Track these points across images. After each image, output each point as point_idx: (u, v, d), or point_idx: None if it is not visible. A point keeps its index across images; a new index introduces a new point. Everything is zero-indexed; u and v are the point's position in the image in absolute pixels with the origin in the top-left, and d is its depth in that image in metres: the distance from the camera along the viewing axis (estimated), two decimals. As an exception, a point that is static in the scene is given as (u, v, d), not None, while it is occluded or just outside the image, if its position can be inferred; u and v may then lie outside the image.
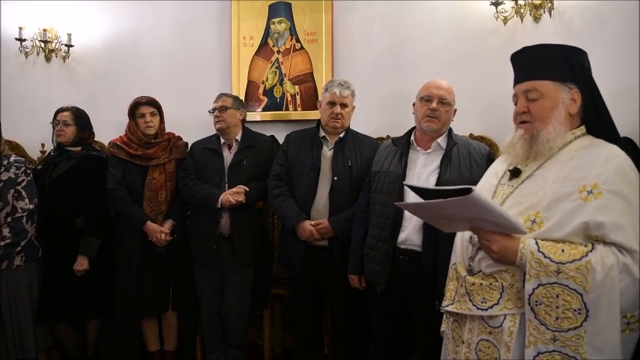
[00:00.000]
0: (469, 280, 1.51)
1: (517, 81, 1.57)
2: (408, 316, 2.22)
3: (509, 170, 1.57)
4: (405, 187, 2.17)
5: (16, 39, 3.56)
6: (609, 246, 1.32)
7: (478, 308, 1.47)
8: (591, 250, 1.31)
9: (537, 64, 1.52)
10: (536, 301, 1.35)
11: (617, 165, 1.39)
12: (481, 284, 1.48)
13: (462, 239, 1.61)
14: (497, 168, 1.67)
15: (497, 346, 1.44)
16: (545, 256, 1.33)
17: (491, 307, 1.44)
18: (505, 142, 1.62)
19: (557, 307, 1.32)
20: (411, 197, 2.17)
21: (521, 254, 1.36)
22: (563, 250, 1.33)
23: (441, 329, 1.80)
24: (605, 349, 1.30)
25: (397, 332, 2.30)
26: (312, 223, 2.50)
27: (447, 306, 1.61)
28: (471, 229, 1.46)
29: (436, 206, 1.37)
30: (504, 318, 1.42)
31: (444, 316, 1.77)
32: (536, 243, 1.36)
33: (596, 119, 1.51)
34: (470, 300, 1.50)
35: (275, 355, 3.20)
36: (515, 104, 1.56)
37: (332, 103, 2.56)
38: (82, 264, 2.74)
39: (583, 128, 1.51)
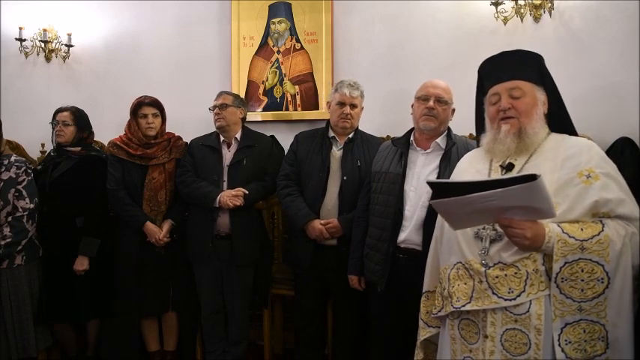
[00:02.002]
0: (491, 274, 1.53)
1: (496, 81, 1.67)
2: (408, 316, 2.22)
3: (500, 166, 1.64)
4: (405, 188, 2.17)
5: (16, 39, 3.56)
6: (615, 219, 1.47)
7: (505, 299, 1.51)
8: (604, 226, 1.45)
9: (517, 66, 1.65)
10: (562, 278, 1.45)
11: (598, 152, 1.57)
12: (505, 275, 1.52)
13: (464, 237, 1.62)
14: (477, 167, 1.72)
15: (525, 332, 1.49)
16: (569, 236, 1.44)
17: (518, 295, 1.50)
18: (486, 139, 1.69)
19: (582, 280, 1.44)
20: (410, 197, 2.17)
21: (548, 238, 1.45)
22: (582, 229, 1.45)
23: (422, 338, 1.83)
24: (622, 309, 1.44)
25: (397, 332, 2.29)
26: (322, 222, 2.52)
27: (465, 305, 1.60)
28: (499, 221, 1.48)
29: (489, 197, 1.37)
30: (530, 303, 1.49)
31: (421, 322, 1.83)
32: (559, 225, 1.46)
33: (558, 120, 1.67)
34: (494, 293, 1.53)
35: (275, 355, 3.20)
36: (494, 103, 1.66)
37: (341, 104, 2.58)
38: (82, 264, 2.74)
39: (547, 127, 1.66)
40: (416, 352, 1.88)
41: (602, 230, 1.44)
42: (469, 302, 1.59)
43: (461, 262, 1.63)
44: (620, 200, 1.47)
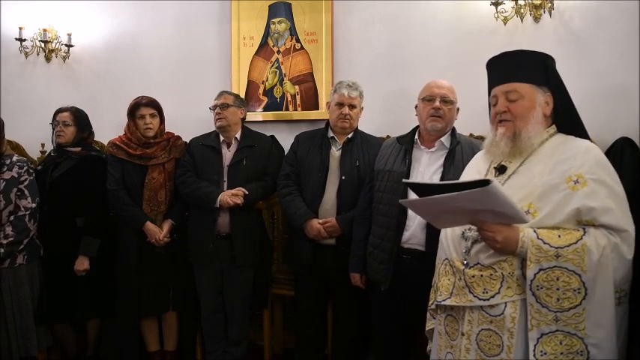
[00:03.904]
0: (469, 273, 1.56)
1: (496, 83, 1.67)
2: (410, 316, 2.22)
3: (494, 167, 1.65)
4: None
5: (16, 39, 3.55)
6: (599, 228, 1.43)
7: (480, 299, 1.53)
8: (585, 234, 1.42)
9: (516, 68, 1.63)
10: (538, 286, 1.43)
11: (595, 156, 1.52)
12: (481, 276, 1.53)
13: (452, 235, 1.66)
14: (479, 167, 1.75)
15: (499, 334, 1.50)
16: (544, 242, 1.42)
17: (492, 296, 1.51)
18: (486, 141, 1.71)
19: (557, 289, 1.41)
20: (414, 194, 2.17)
21: (522, 242, 1.44)
22: (559, 236, 1.43)
23: (427, 329, 1.86)
24: (603, 323, 1.41)
25: (398, 332, 2.30)
26: (320, 221, 2.52)
27: (445, 300, 1.65)
28: (473, 223, 1.51)
29: (449, 200, 1.40)
30: (505, 306, 1.49)
31: (428, 314, 1.84)
32: (535, 231, 1.45)
33: (566, 120, 1.63)
34: (471, 292, 1.55)
35: (275, 356, 3.20)
36: (494, 105, 1.67)
37: (340, 104, 2.59)
38: (82, 264, 2.74)
39: (554, 127, 1.64)
40: (429, 341, 1.91)
41: (581, 239, 1.41)
42: (449, 297, 1.63)
43: (447, 259, 1.68)
44: (605, 209, 1.43)
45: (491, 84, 1.70)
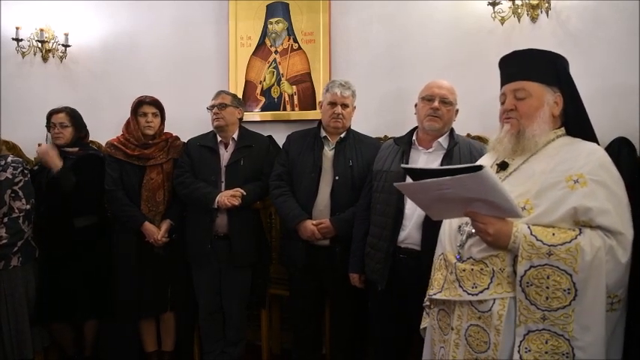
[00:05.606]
0: (459, 267, 1.56)
1: (506, 81, 1.67)
2: (408, 315, 2.22)
3: (496, 164, 1.65)
4: None
5: (13, 39, 3.54)
6: (595, 230, 1.41)
7: (469, 294, 1.52)
8: (580, 234, 1.40)
9: (526, 66, 1.62)
10: (528, 282, 1.42)
11: (599, 159, 1.50)
12: (472, 270, 1.53)
13: (449, 229, 1.67)
14: (484, 163, 1.71)
15: (486, 330, 1.49)
16: (537, 239, 1.41)
17: (481, 291, 1.50)
18: (492, 139, 1.70)
19: (547, 288, 1.39)
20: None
21: (514, 237, 1.43)
22: (553, 234, 1.41)
23: (421, 327, 1.85)
24: (592, 327, 1.38)
25: (396, 332, 2.30)
26: (314, 222, 2.52)
27: (436, 294, 1.65)
28: (466, 214, 1.50)
29: (441, 184, 1.39)
30: (493, 302, 1.48)
31: (425, 311, 1.84)
32: (529, 227, 1.43)
33: (575, 122, 1.62)
34: (460, 286, 1.55)
35: (273, 356, 3.20)
36: (502, 103, 1.66)
37: (333, 104, 2.58)
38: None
39: (563, 129, 1.62)
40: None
41: (575, 238, 1.38)
42: (440, 292, 1.63)
43: (443, 254, 1.69)
44: (602, 210, 1.40)
45: (502, 82, 1.70)
